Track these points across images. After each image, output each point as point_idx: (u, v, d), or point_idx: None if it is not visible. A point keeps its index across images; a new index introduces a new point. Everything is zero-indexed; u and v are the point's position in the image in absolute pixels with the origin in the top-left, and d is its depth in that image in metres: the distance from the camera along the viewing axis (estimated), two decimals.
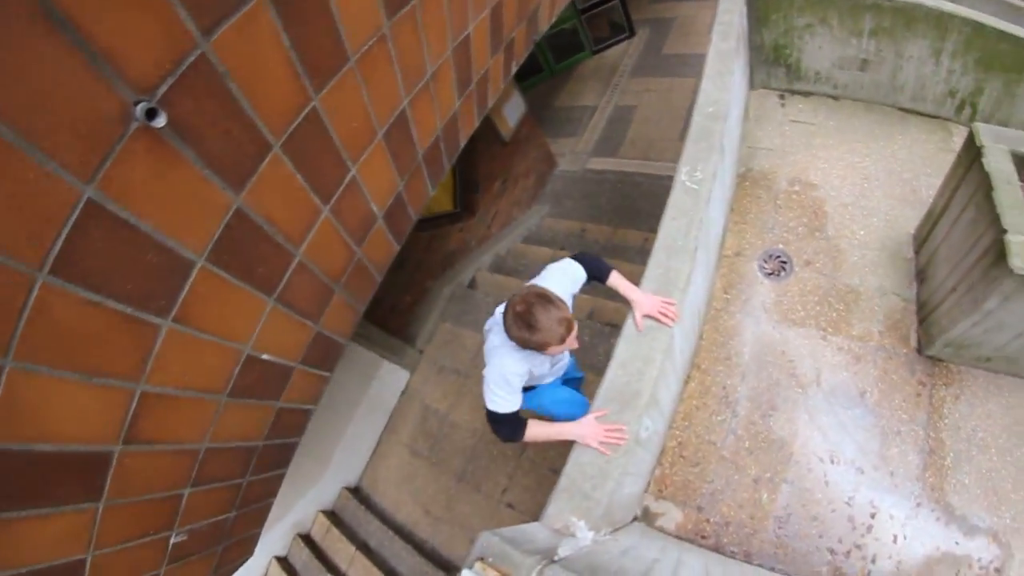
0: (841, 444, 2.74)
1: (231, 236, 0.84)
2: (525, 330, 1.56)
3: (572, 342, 1.70)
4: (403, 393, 4.47)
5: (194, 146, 0.71)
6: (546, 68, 9.05)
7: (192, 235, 0.77)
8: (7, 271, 0.58)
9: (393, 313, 4.47)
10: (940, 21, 3.83)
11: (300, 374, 1.25)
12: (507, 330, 1.62)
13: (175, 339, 0.82)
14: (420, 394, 4.45)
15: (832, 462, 2.69)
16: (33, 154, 0.57)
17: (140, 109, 0.64)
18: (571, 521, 1.55)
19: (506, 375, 1.72)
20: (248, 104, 0.78)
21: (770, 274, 3.36)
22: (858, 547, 2.48)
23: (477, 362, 4.29)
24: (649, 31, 9.56)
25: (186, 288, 0.79)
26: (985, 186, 2.44)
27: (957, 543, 2.51)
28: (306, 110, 0.91)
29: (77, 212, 0.63)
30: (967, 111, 4.17)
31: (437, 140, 1.54)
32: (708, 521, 2.61)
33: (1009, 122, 4.08)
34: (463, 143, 1.77)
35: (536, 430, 1.88)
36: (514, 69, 2.21)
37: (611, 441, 1.73)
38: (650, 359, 1.89)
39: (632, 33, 9.58)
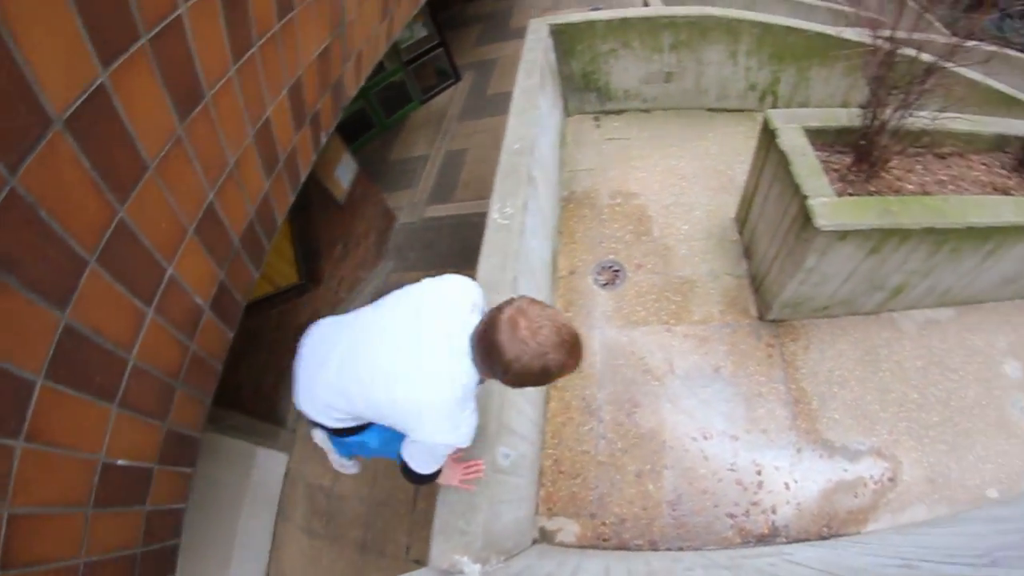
0: (709, 420, 3.24)
1: (64, 351, 0.98)
2: (562, 353, 1.27)
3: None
4: (285, 476, 4.58)
5: (16, 274, 0.89)
6: (377, 124, 9.59)
7: (28, 356, 0.92)
8: None
9: (257, 398, 4.56)
10: (731, 27, 4.79)
11: (161, 474, 1.35)
12: (490, 351, 1.27)
13: (31, 458, 0.93)
14: (302, 474, 4.57)
15: (705, 438, 3.18)
16: None
17: None
18: (455, 559, 1.75)
19: (461, 440, 1.42)
20: (59, 227, 0.96)
21: (605, 284, 3.94)
22: (755, 504, 2.95)
23: None
24: (474, 74, 10.58)
25: (31, 406, 0.93)
26: (784, 162, 3.10)
27: (846, 470, 3.07)
28: (114, 222, 1.11)
29: None
30: (769, 99, 5.21)
31: (252, 224, 1.74)
32: (604, 524, 2.96)
33: (808, 102, 5.13)
34: (280, 221, 1.98)
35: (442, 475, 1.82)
36: (324, 139, 2.51)
37: (470, 477, 1.89)
38: (490, 392, 2.16)
39: (458, 78, 10.53)
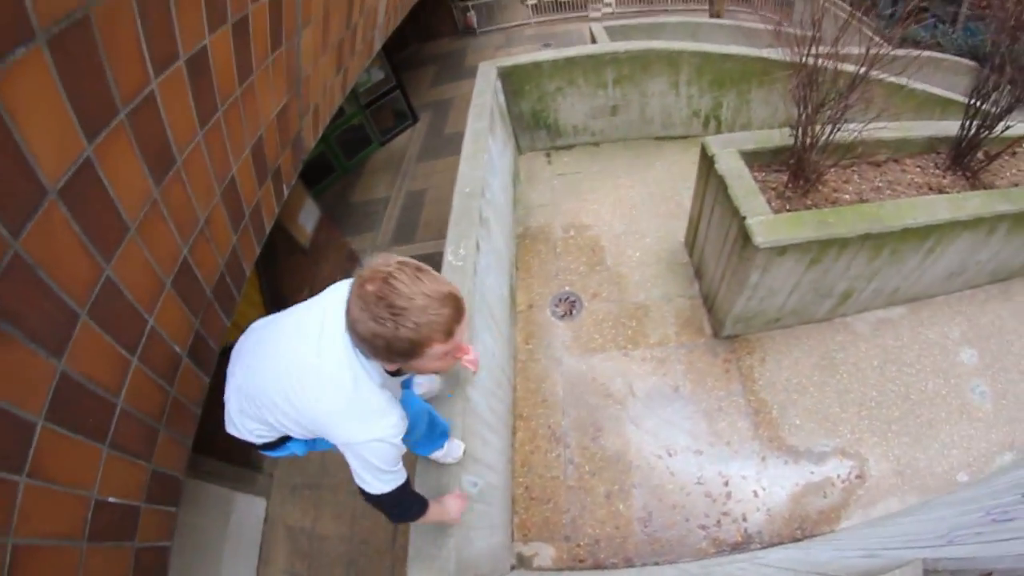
0: (672, 437, 3.42)
1: (61, 396, 1.10)
2: (388, 319, 1.10)
3: (461, 347, 1.28)
4: (265, 520, 4.58)
5: (20, 327, 1.03)
6: (338, 167, 9.81)
7: (30, 400, 1.05)
8: None
9: (232, 444, 4.54)
10: (671, 59, 5.14)
11: (147, 512, 1.44)
12: (357, 335, 1.16)
13: (32, 493, 1.03)
14: (281, 517, 4.60)
15: (670, 455, 3.35)
16: None
17: None
18: None
19: (386, 436, 1.32)
20: (55, 285, 1.10)
21: (563, 316, 4.17)
22: (725, 514, 3.11)
23: (326, 470, 4.63)
24: (431, 114, 10.96)
25: (33, 446, 1.06)
26: (722, 185, 3.32)
27: (812, 472, 3.26)
28: (102, 279, 1.25)
29: None
30: (713, 124, 5.59)
31: (223, 275, 1.88)
32: (579, 546, 3.09)
33: (750, 123, 5.51)
34: (248, 271, 2.13)
35: (434, 510, 1.69)
36: (287, 191, 2.68)
37: (461, 509, 1.89)
38: (453, 426, 2.28)
39: (416, 119, 10.89)
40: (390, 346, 1.14)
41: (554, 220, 4.95)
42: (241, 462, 4.65)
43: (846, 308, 3.83)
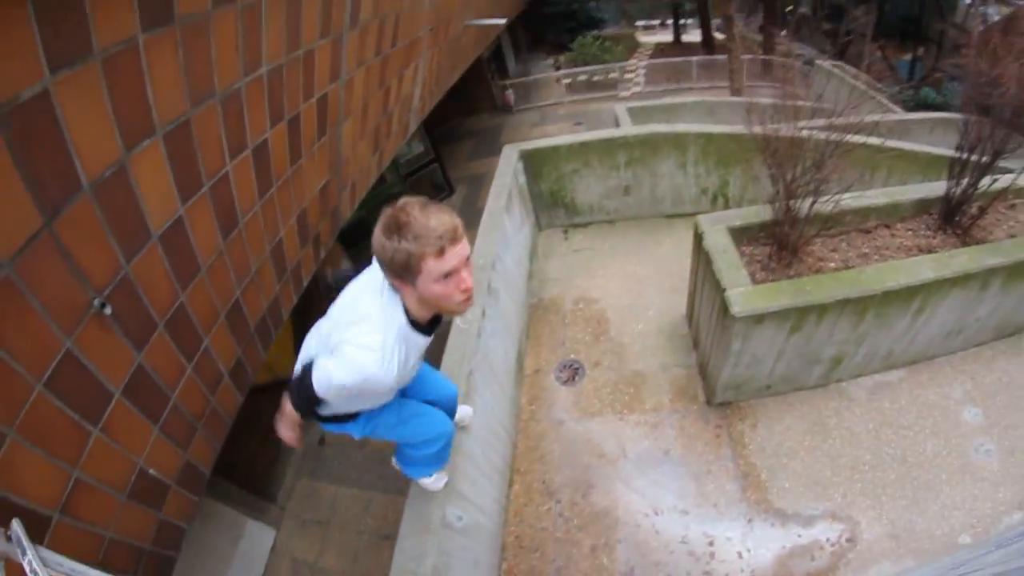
0: (660, 497, 3.64)
1: (135, 379, 1.55)
2: (393, 232, 1.34)
3: (461, 278, 1.45)
4: (272, 550, 4.88)
5: (119, 322, 1.52)
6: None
7: (115, 376, 1.49)
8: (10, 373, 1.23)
9: (252, 475, 5.09)
10: (678, 141, 5.65)
11: (175, 493, 1.83)
12: (374, 251, 1.43)
13: (100, 443, 1.44)
14: (287, 549, 4.90)
15: (656, 514, 3.56)
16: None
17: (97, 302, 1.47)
18: None
19: (362, 356, 1.45)
20: (148, 301, 1.60)
21: (566, 381, 4.55)
22: (707, 573, 3.25)
23: (336, 509, 5.03)
24: (467, 187, 11.78)
25: (108, 410, 1.47)
26: (708, 260, 3.64)
27: (800, 535, 3.33)
28: (176, 303, 1.77)
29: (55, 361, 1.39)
30: (721, 201, 6.01)
31: (264, 317, 2.38)
32: None
33: (758, 198, 5.59)
34: (286, 316, 2.64)
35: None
36: (324, 253, 3.23)
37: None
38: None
39: (452, 191, 11.71)
40: (393, 259, 1.37)
41: (566, 293, 5.38)
42: (258, 491, 5.06)
43: (840, 373, 3.98)
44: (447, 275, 1.40)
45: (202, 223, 1.84)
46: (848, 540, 3.31)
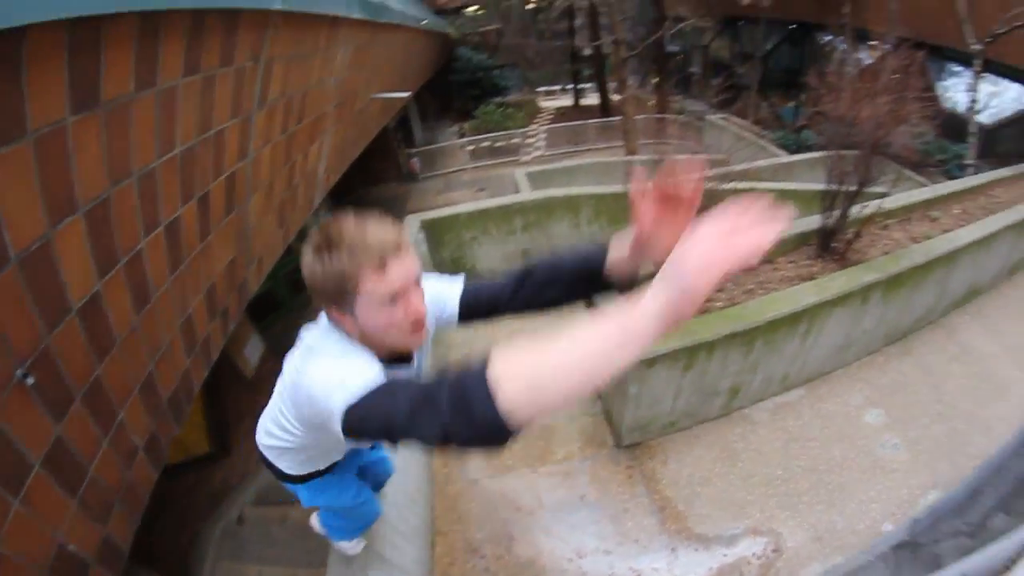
0: (581, 540, 3.85)
1: (53, 451, 1.59)
2: (323, 250, 1.13)
3: (410, 301, 1.18)
4: None
5: (40, 394, 1.60)
6: (284, 304, 10.44)
7: (35, 449, 1.53)
8: None
9: (172, 558, 4.79)
10: (572, 203, 6.13)
11: (95, 572, 1.84)
12: (306, 282, 1.20)
13: (20, 516, 1.46)
14: None
15: (580, 557, 3.76)
16: None
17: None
18: None
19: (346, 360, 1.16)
20: (66, 374, 1.70)
21: None
22: None
23: None
24: None
25: (28, 481, 1.50)
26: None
27: (725, 555, 3.59)
28: (94, 376, 1.85)
29: None
30: None
31: (176, 391, 2.43)
32: None
33: None
34: (196, 390, 2.70)
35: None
36: (232, 327, 3.31)
37: None
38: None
39: None
40: (325, 282, 1.15)
41: (470, 357, 5.54)
42: None
43: (740, 401, 4.36)
44: (392, 299, 1.15)
45: (118, 297, 1.95)
46: (774, 551, 3.58)
